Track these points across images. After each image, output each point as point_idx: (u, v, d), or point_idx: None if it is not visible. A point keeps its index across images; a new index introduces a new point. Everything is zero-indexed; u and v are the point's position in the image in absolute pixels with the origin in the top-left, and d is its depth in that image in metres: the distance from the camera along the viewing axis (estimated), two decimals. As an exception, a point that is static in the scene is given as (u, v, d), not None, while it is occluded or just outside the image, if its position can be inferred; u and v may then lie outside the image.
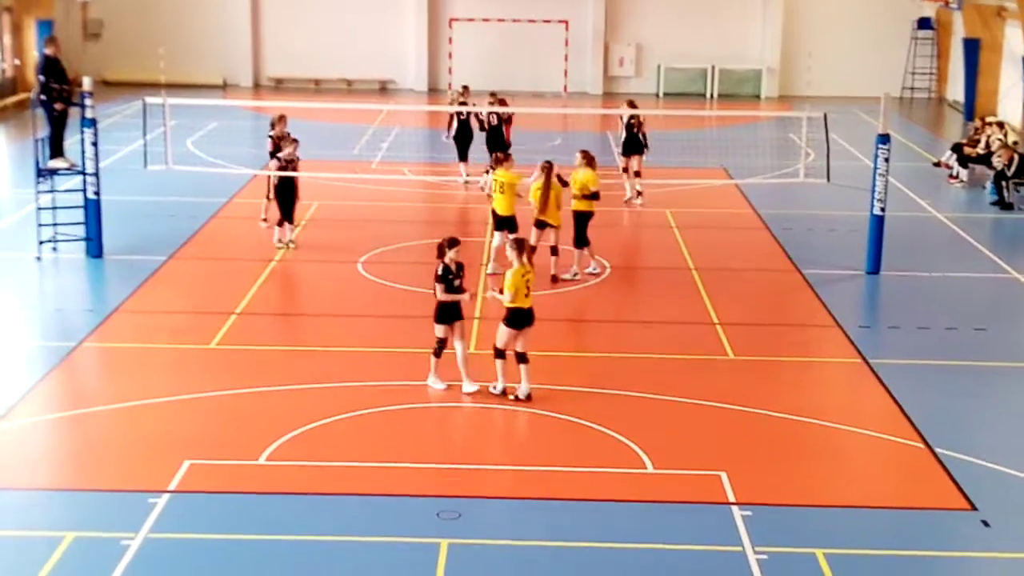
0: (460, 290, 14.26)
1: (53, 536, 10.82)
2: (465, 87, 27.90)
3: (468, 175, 25.93)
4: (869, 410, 14.40)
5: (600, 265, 19.67)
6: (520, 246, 14.24)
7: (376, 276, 19.39)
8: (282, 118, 21.93)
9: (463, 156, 25.98)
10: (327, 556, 10.67)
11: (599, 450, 12.93)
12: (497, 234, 19.23)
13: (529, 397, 14.04)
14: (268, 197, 21.65)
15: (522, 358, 14.07)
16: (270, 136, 21.71)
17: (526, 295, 13.96)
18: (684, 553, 10.85)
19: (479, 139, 25.47)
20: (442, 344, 14.34)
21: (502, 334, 14.08)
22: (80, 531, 10.93)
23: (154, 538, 10.85)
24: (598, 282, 19.30)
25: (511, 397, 14.07)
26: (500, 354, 14.11)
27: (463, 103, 26.29)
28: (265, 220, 22.01)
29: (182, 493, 11.75)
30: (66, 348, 15.77)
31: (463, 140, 25.93)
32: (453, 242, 14.30)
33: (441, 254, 14.24)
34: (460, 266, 14.31)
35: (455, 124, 25.82)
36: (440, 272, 14.21)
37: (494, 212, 19.24)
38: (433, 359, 14.43)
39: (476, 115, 25.50)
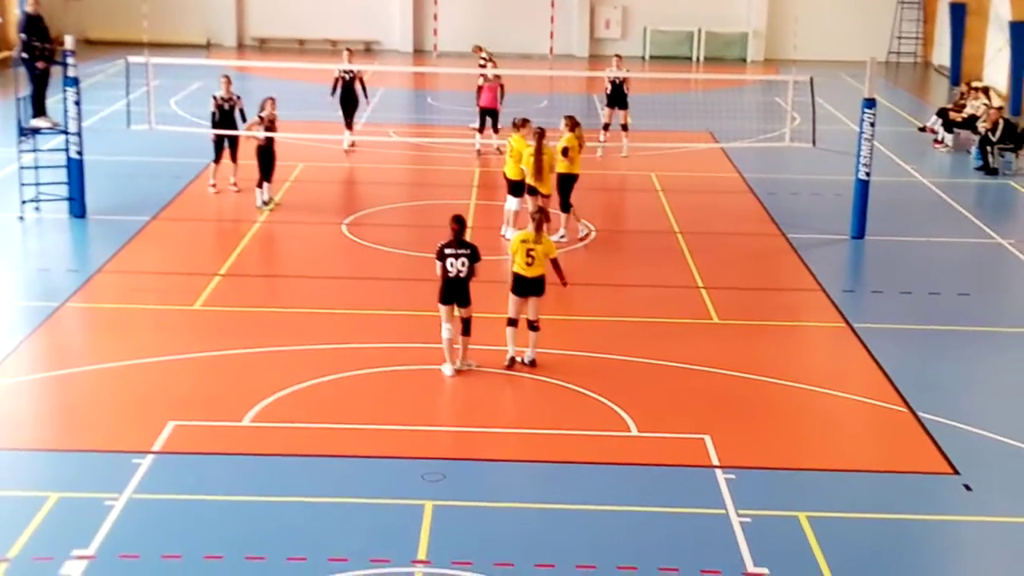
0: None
1: (37, 496, 10.81)
2: (349, 49, 26.70)
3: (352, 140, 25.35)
4: (852, 374, 14.46)
5: (586, 228, 19.65)
6: (536, 213, 14.26)
7: (360, 238, 19.34)
8: (227, 79, 21.73)
9: (349, 122, 25.12)
10: (310, 517, 10.68)
11: (583, 413, 12.96)
12: (511, 199, 19.09)
13: (533, 363, 14.04)
14: (224, 160, 21.55)
15: (531, 326, 14.04)
16: (215, 95, 21.54)
17: (528, 264, 13.86)
18: (667, 516, 10.90)
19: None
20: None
21: (509, 301, 14.02)
22: (64, 491, 10.92)
23: (138, 499, 10.86)
24: (583, 246, 19.29)
25: (517, 360, 14.08)
26: (510, 322, 14.04)
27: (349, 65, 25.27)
28: (214, 186, 21.78)
29: (166, 454, 11.75)
30: (49, 308, 15.71)
31: (347, 103, 25.03)
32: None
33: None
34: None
35: (339, 86, 24.87)
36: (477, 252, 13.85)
37: (505, 176, 19.20)
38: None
39: (360, 78, 24.90)
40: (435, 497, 11.02)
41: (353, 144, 25.38)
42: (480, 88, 25.37)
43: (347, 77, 24.73)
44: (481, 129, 25.32)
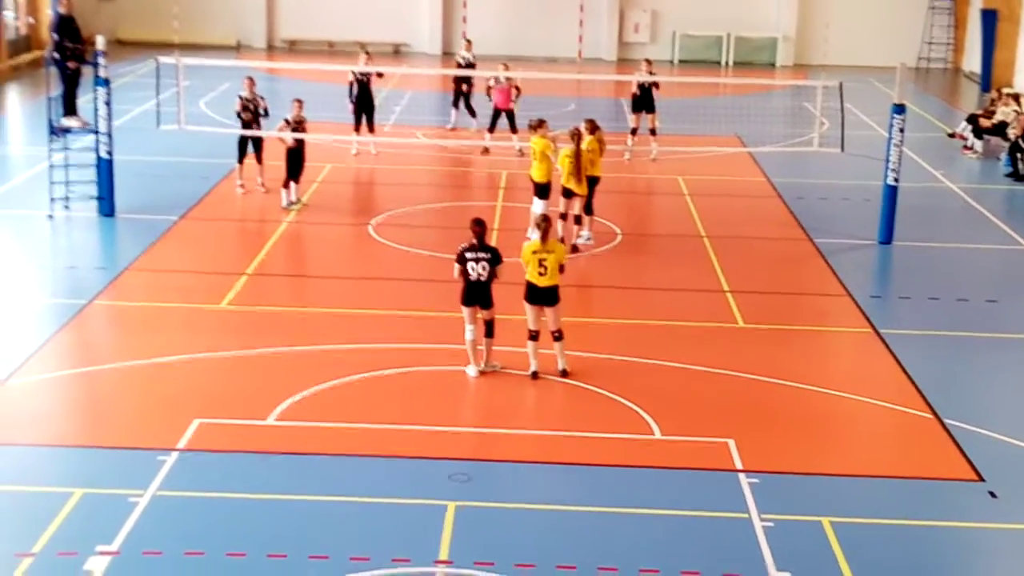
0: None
1: (62, 492, 10.88)
2: (367, 52, 26.35)
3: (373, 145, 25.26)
4: (878, 380, 14.39)
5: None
6: (542, 221, 14.11)
7: (387, 239, 19.38)
8: (250, 80, 21.76)
9: (359, 123, 24.75)
10: (333, 516, 10.71)
11: (607, 416, 12.95)
12: (537, 201, 19.06)
13: (565, 373, 13.91)
14: (248, 160, 21.60)
15: (554, 336, 13.95)
16: (240, 96, 21.59)
17: (541, 273, 13.77)
18: (690, 519, 10.88)
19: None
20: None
21: (526, 311, 13.91)
22: (89, 487, 10.99)
23: (162, 496, 10.91)
24: (609, 249, 19.27)
25: (560, 369, 13.99)
26: (531, 335, 13.91)
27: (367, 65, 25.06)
28: (242, 186, 21.85)
29: (191, 452, 11.81)
30: (77, 306, 15.81)
31: (361, 105, 24.71)
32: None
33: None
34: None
35: (356, 87, 24.59)
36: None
37: (531, 178, 19.20)
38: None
39: (370, 78, 24.64)
40: (458, 498, 11.03)
41: (357, 151, 25.28)
42: (489, 89, 25.61)
43: (363, 79, 24.75)
44: (491, 129, 25.48)
